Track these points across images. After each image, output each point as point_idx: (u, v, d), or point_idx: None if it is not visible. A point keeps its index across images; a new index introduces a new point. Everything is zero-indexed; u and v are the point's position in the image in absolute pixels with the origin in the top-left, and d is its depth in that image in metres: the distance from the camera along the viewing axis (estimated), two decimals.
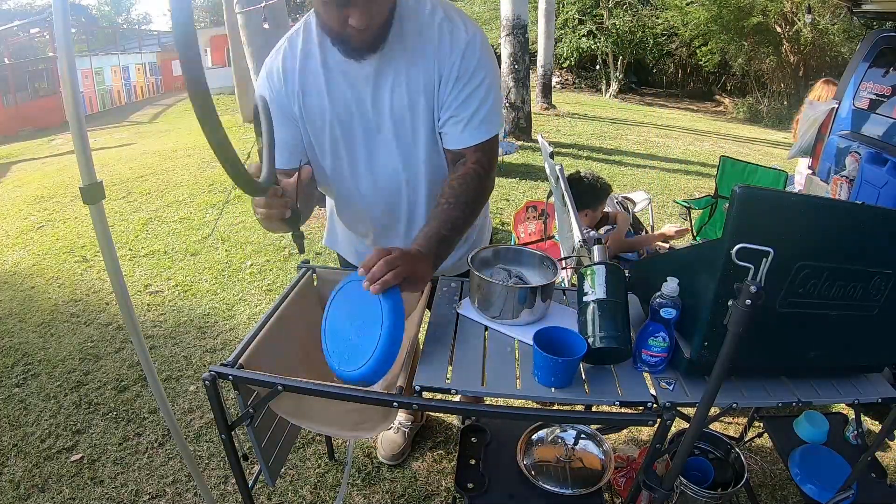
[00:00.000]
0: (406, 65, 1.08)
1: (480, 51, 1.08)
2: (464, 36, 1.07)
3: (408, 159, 1.18)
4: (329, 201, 1.40)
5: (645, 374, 0.97)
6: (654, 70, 15.55)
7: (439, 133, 1.15)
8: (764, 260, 0.74)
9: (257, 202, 0.95)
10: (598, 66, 14.75)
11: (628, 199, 2.91)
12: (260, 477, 1.29)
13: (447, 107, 1.11)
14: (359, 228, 1.36)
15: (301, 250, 1.05)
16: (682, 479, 1.27)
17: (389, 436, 1.81)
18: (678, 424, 0.94)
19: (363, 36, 1.00)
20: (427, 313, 1.16)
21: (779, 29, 10.74)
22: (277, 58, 1.13)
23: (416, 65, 1.08)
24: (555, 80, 11.17)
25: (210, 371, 0.94)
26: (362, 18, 0.96)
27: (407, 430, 1.82)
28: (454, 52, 1.07)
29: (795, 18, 10.30)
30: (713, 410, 0.85)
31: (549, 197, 2.56)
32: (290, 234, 1.03)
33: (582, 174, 2.38)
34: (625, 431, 1.95)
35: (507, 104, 6.55)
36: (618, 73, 14.07)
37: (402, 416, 1.84)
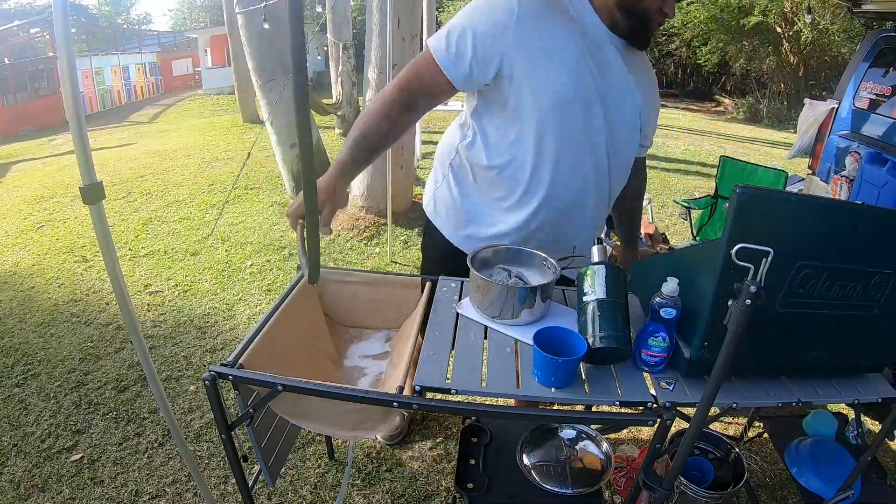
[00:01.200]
0: (645, 72, 1.21)
1: None
2: None
3: (615, 157, 1.19)
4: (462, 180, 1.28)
5: (645, 374, 0.97)
6: (654, 70, 15.55)
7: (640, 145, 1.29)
8: (764, 260, 0.74)
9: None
10: None
11: None
12: (260, 477, 1.29)
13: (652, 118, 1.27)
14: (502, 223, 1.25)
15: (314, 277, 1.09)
16: (682, 479, 1.27)
17: None
18: (678, 424, 0.94)
19: (660, 25, 1.10)
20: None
21: (779, 29, 10.74)
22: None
23: (648, 75, 1.22)
24: None
25: (210, 371, 0.94)
26: (674, 8, 1.07)
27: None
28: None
29: (795, 18, 10.30)
30: (713, 410, 0.85)
31: None
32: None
33: None
34: (625, 431, 1.95)
35: None
36: None
37: None
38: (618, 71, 1.12)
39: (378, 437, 1.79)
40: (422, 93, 1.12)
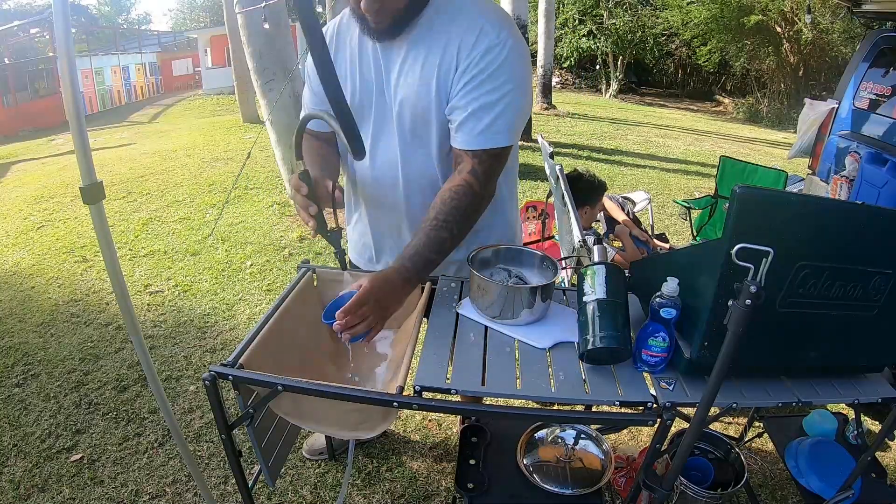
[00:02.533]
0: (426, 51, 1.05)
1: (509, 57, 1.02)
2: (495, 36, 1.01)
3: (408, 155, 1.14)
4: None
5: (645, 374, 0.97)
6: (654, 70, 15.54)
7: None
8: (764, 260, 0.74)
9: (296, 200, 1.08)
10: (598, 66, 14.75)
11: (628, 199, 2.91)
12: (260, 477, 1.29)
13: (455, 99, 1.04)
14: (364, 232, 1.34)
15: (342, 266, 1.18)
16: (682, 479, 1.27)
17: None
18: (678, 424, 0.94)
19: (378, 18, 1.02)
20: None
21: (779, 29, 10.74)
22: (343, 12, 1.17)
23: (435, 51, 1.04)
24: (555, 80, 11.17)
25: (210, 371, 0.94)
26: (370, 3, 0.99)
27: None
28: (478, 47, 1.01)
29: (796, 18, 10.30)
30: (713, 410, 0.85)
31: (548, 197, 2.56)
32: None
33: (580, 172, 2.40)
34: (625, 431, 1.95)
35: None
36: (618, 73, 14.07)
37: None
38: (377, 69, 1.12)
39: (304, 451, 1.81)
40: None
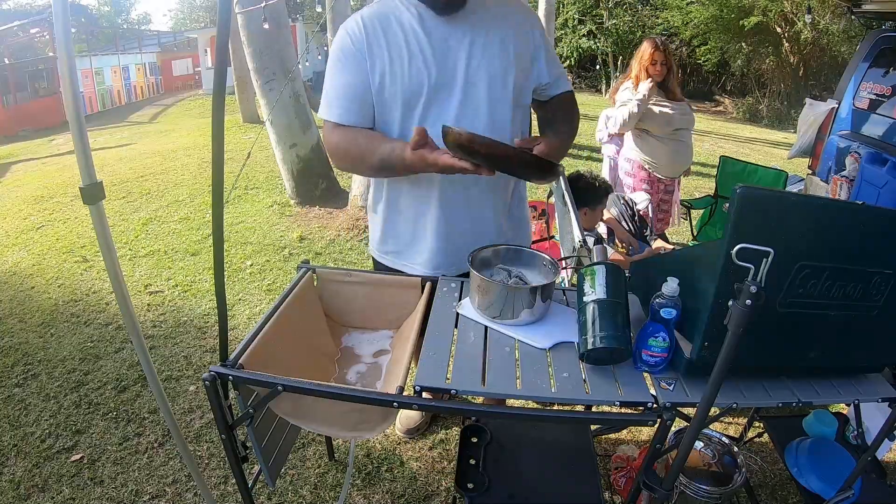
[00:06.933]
0: (497, 29, 1.21)
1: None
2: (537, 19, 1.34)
3: (495, 123, 1.23)
4: (384, 193, 1.36)
5: (645, 374, 0.97)
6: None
7: (533, 90, 1.32)
8: (764, 260, 0.74)
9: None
10: (598, 67, 14.74)
11: (629, 200, 2.91)
12: (260, 477, 1.29)
13: (549, 66, 1.30)
14: (423, 208, 1.32)
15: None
16: (682, 478, 1.27)
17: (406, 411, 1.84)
18: (678, 424, 0.94)
19: None
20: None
21: (779, 29, 10.74)
22: (362, 11, 1.23)
23: (506, 29, 1.22)
24: None
25: (210, 371, 0.94)
26: None
27: None
28: (538, 27, 1.30)
29: (795, 18, 10.30)
30: (713, 410, 0.85)
31: (549, 197, 2.56)
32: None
33: (581, 173, 2.40)
34: (625, 431, 1.95)
35: None
36: (618, 73, 14.05)
37: None
38: (445, 49, 1.21)
39: (397, 430, 1.88)
40: None
